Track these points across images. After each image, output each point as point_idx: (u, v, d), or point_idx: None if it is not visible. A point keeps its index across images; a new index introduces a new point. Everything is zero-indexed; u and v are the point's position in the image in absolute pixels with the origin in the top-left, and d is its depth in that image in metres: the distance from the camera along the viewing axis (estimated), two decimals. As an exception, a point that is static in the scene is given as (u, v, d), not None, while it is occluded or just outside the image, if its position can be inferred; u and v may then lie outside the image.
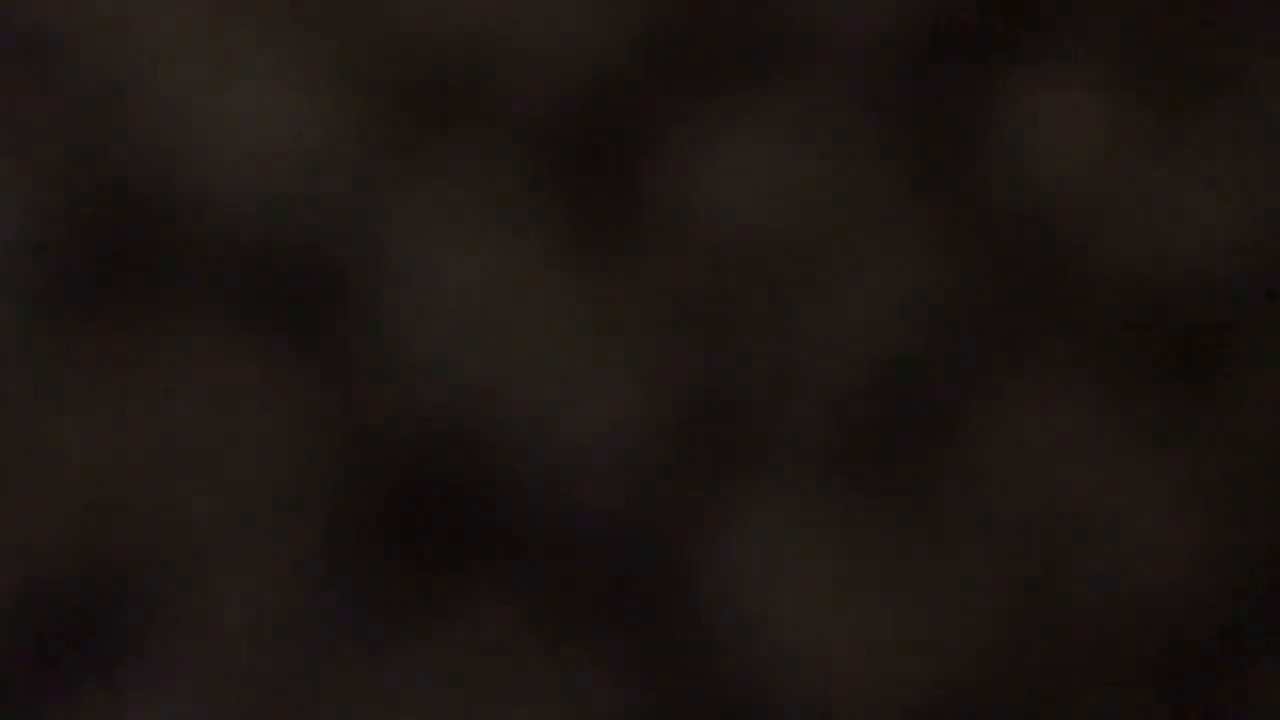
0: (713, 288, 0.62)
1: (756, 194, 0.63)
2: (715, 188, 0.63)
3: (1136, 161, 0.65)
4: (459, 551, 0.59)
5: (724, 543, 0.60)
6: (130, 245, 0.60)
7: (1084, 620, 0.60)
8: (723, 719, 0.58)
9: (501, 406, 0.60)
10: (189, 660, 0.57)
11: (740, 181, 0.63)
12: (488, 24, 0.63)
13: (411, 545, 0.59)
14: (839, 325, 0.62)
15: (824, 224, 0.63)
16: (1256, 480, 0.62)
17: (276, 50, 0.62)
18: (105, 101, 0.61)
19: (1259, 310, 0.64)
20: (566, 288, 0.61)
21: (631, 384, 0.61)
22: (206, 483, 0.58)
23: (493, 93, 0.63)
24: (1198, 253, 0.64)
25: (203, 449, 0.59)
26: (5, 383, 0.59)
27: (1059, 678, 0.60)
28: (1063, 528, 0.61)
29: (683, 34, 0.64)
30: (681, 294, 0.62)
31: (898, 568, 0.60)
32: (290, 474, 0.59)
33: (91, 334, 0.59)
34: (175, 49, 0.62)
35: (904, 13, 0.65)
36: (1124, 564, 0.61)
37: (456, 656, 0.58)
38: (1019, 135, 0.64)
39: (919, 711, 0.59)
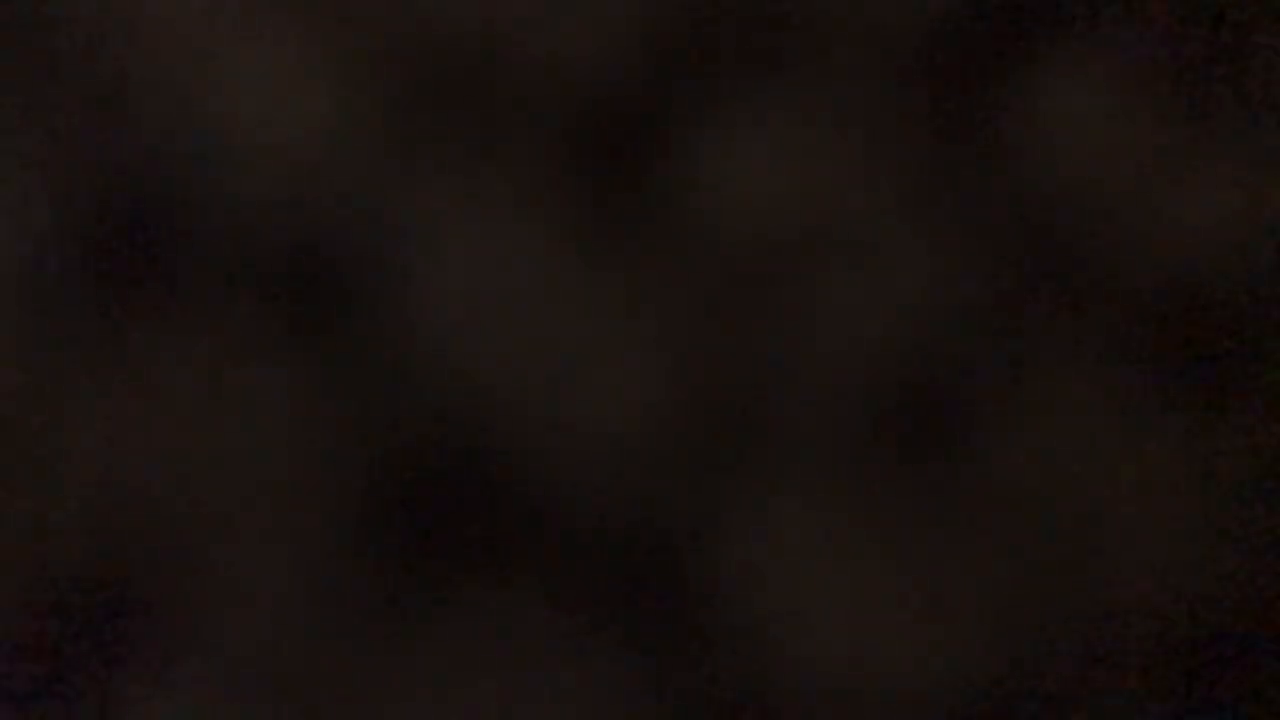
0: (724, 283, 0.62)
1: (766, 190, 0.63)
2: (725, 184, 0.63)
3: (1143, 161, 0.64)
4: (470, 546, 0.59)
5: (735, 538, 0.60)
6: (136, 244, 0.60)
7: (1093, 619, 0.60)
8: (733, 714, 0.58)
9: (512, 402, 0.60)
10: (194, 659, 0.57)
11: (750, 178, 0.63)
12: (497, 21, 0.63)
13: (422, 539, 0.59)
14: (850, 321, 0.62)
15: (834, 220, 0.63)
16: (1263, 480, 0.62)
17: (284, 49, 0.62)
18: (111, 100, 0.61)
19: (1266, 311, 0.64)
20: (577, 284, 0.61)
21: (643, 379, 0.61)
22: (213, 480, 0.58)
23: (502, 89, 0.63)
24: (1205, 253, 0.64)
25: (210, 446, 0.59)
26: (10, 382, 0.59)
27: (1068, 676, 0.60)
28: (1073, 526, 0.61)
29: (692, 31, 0.64)
30: (692, 290, 0.62)
31: (908, 564, 0.60)
32: (298, 471, 0.59)
33: (96, 333, 0.59)
34: (182, 48, 0.62)
35: (911, 12, 0.65)
36: (1133, 562, 0.61)
37: (467, 650, 0.58)
38: (1026, 135, 0.64)
39: (929, 708, 0.59)
